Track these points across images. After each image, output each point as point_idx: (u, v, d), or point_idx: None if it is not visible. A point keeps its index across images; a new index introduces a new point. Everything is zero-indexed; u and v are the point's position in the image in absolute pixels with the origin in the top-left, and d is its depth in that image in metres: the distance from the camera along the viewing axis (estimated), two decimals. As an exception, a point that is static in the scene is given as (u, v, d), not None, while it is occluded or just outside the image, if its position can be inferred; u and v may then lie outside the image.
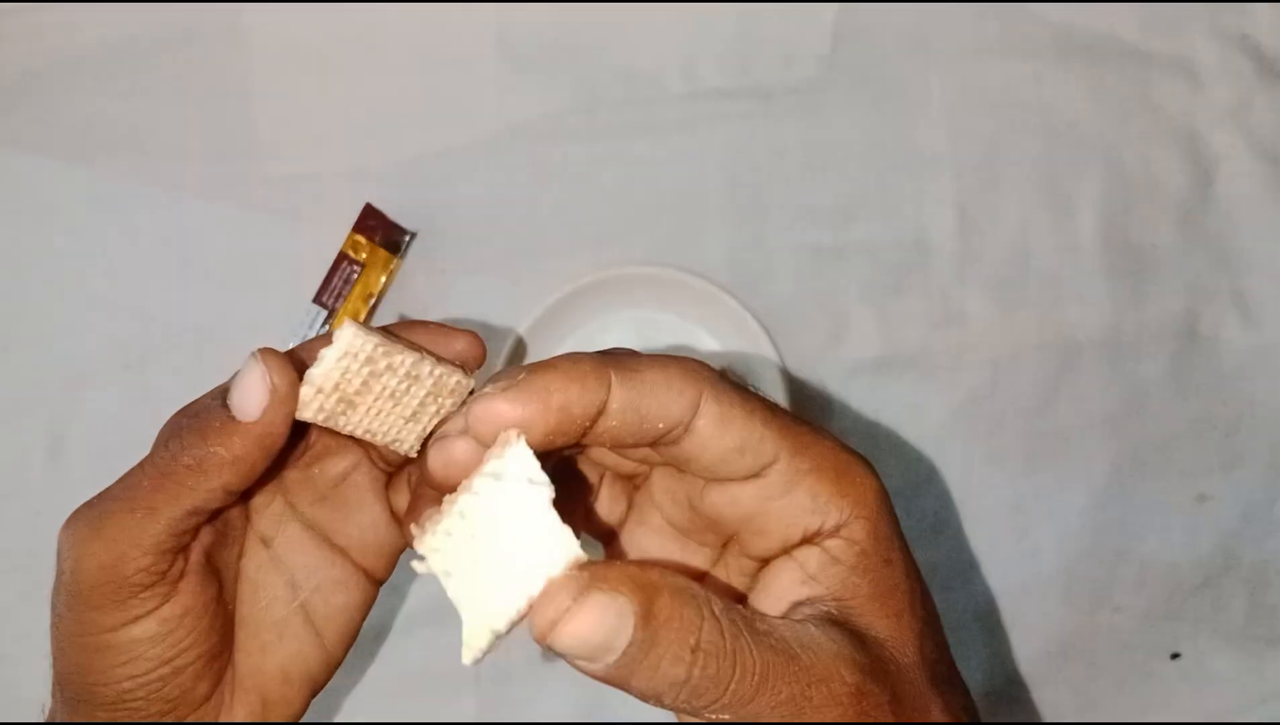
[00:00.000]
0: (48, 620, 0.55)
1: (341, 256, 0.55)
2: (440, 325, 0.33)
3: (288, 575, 0.35)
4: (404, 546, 0.37)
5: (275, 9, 0.56)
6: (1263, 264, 0.59)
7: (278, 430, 0.30)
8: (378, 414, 0.31)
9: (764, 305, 0.56)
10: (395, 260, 0.55)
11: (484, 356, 0.33)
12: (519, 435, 0.26)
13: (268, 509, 0.36)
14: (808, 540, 0.29)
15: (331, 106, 0.56)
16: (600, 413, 0.27)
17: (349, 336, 0.30)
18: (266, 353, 0.30)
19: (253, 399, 0.29)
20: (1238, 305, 0.59)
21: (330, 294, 0.55)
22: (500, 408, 0.26)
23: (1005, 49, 0.58)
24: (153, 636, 0.31)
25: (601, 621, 0.24)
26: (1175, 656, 0.58)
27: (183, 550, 0.32)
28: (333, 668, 0.36)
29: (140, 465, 0.31)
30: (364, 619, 0.37)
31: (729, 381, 0.28)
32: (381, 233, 0.55)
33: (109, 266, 0.56)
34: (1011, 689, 0.58)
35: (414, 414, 0.32)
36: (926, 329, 0.58)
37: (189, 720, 0.33)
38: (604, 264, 0.55)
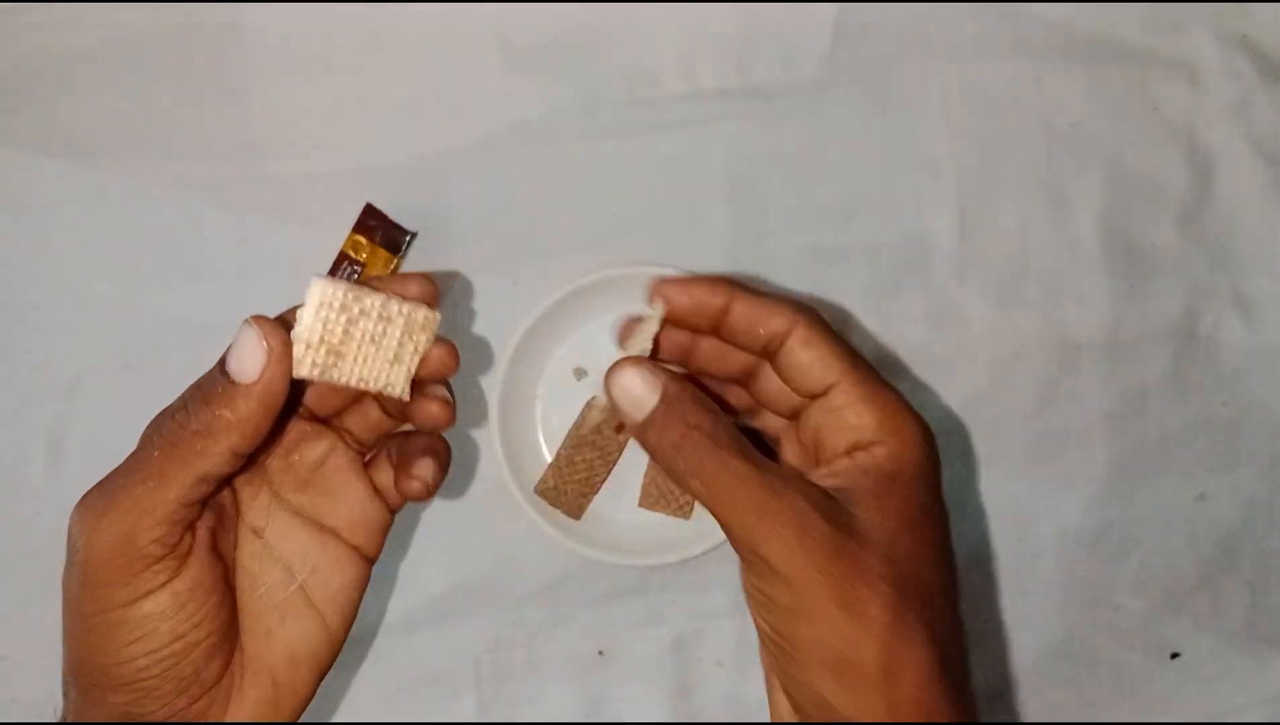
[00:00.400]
0: (48, 621, 0.55)
1: (342, 256, 0.55)
2: (392, 276, 0.36)
3: (283, 562, 0.36)
4: (390, 522, 0.39)
5: (275, 9, 0.56)
6: (1263, 264, 0.59)
7: (277, 388, 0.32)
8: (365, 360, 0.34)
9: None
10: (395, 260, 0.55)
11: (439, 294, 0.36)
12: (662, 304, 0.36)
13: (255, 501, 0.37)
14: (847, 454, 0.34)
15: (331, 106, 0.56)
16: (725, 311, 0.36)
17: (320, 287, 0.32)
18: (259, 318, 0.32)
19: (251, 361, 0.31)
20: (1238, 305, 0.59)
21: (330, 294, 0.55)
22: (670, 286, 0.36)
23: (1005, 49, 0.58)
24: (164, 611, 0.32)
25: (639, 382, 0.34)
26: (1175, 656, 0.59)
27: (190, 526, 0.33)
28: (337, 647, 0.37)
29: (147, 439, 0.32)
30: (361, 598, 0.38)
31: (825, 324, 0.36)
32: (382, 233, 0.55)
33: (109, 266, 0.56)
34: (1011, 689, 0.58)
35: (396, 356, 0.34)
36: (926, 329, 0.58)
37: (198, 719, 0.34)
38: (604, 264, 0.55)
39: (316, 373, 0.33)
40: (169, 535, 0.32)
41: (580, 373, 0.57)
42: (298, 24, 0.56)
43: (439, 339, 0.36)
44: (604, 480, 0.56)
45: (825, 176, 0.57)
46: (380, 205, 0.55)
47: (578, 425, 0.56)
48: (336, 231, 0.55)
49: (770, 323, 0.35)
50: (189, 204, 0.56)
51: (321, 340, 0.33)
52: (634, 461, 0.56)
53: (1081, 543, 0.58)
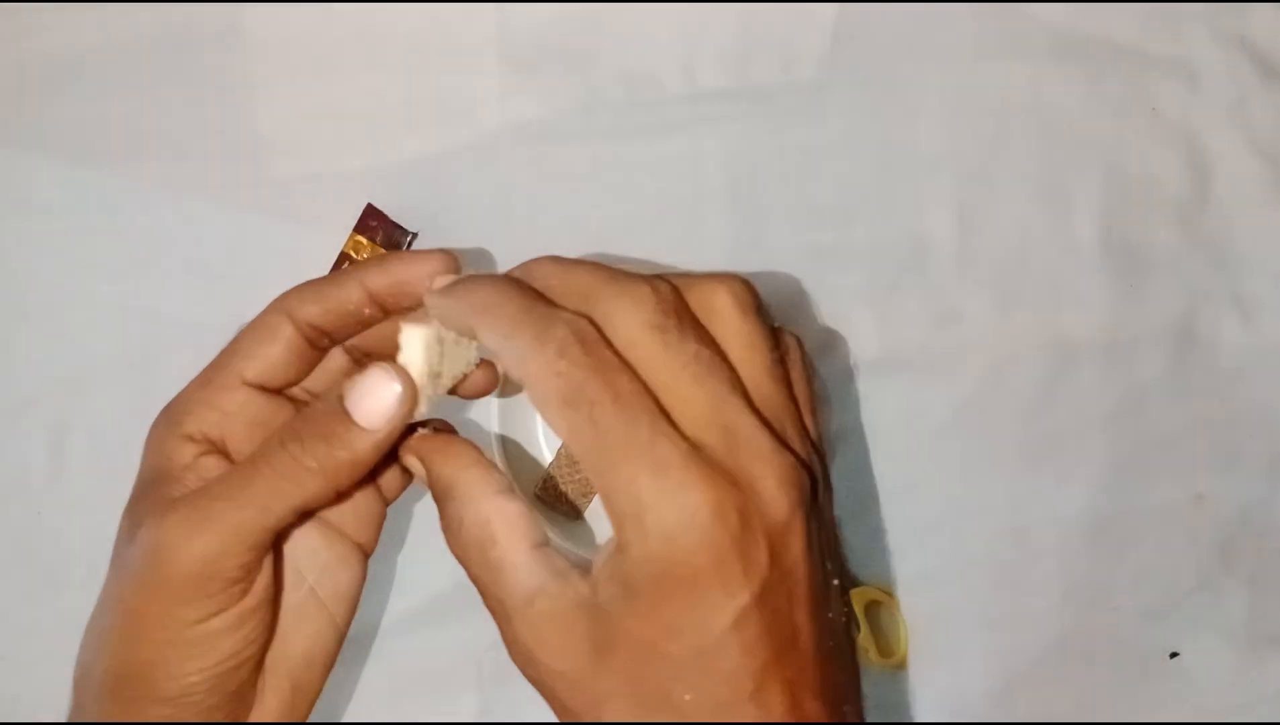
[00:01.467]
0: (49, 621, 0.55)
1: (343, 257, 0.55)
2: (411, 253, 0.37)
3: (292, 563, 0.36)
4: (384, 515, 0.39)
5: (275, 9, 0.56)
6: (1262, 264, 0.59)
7: (395, 437, 0.32)
8: (453, 361, 0.34)
9: (764, 305, 0.56)
10: (395, 260, 0.55)
11: (460, 265, 0.36)
12: None
13: None
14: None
15: (331, 106, 0.56)
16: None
17: (420, 334, 0.32)
18: (395, 366, 0.32)
19: (380, 410, 0.31)
20: (1237, 305, 0.59)
21: (330, 294, 0.55)
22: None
23: (1005, 50, 0.58)
24: (229, 628, 0.32)
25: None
26: (1174, 656, 0.59)
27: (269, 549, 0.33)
28: (341, 643, 0.37)
29: (251, 465, 0.32)
30: (361, 593, 0.38)
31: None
32: (383, 233, 0.55)
33: (109, 266, 0.56)
34: (1011, 689, 0.58)
35: (457, 338, 0.35)
36: (926, 329, 0.58)
37: (231, 720, 0.34)
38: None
39: (429, 406, 0.33)
40: (255, 561, 0.32)
41: (580, 373, 0.57)
42: (298, 24, 0.56)
43: None
44: None
45: (825, 176, 0.57)
46: (380, 205, 0.55)
47: None
48: (337, 231, 0.55)
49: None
50: (189, 204, 0.56)
51: (429, 374, 0.33)
52: (634, 461, 0.56)
53: (1081, 543, 0.58)
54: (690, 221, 0.57)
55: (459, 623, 0.57)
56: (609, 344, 0.28)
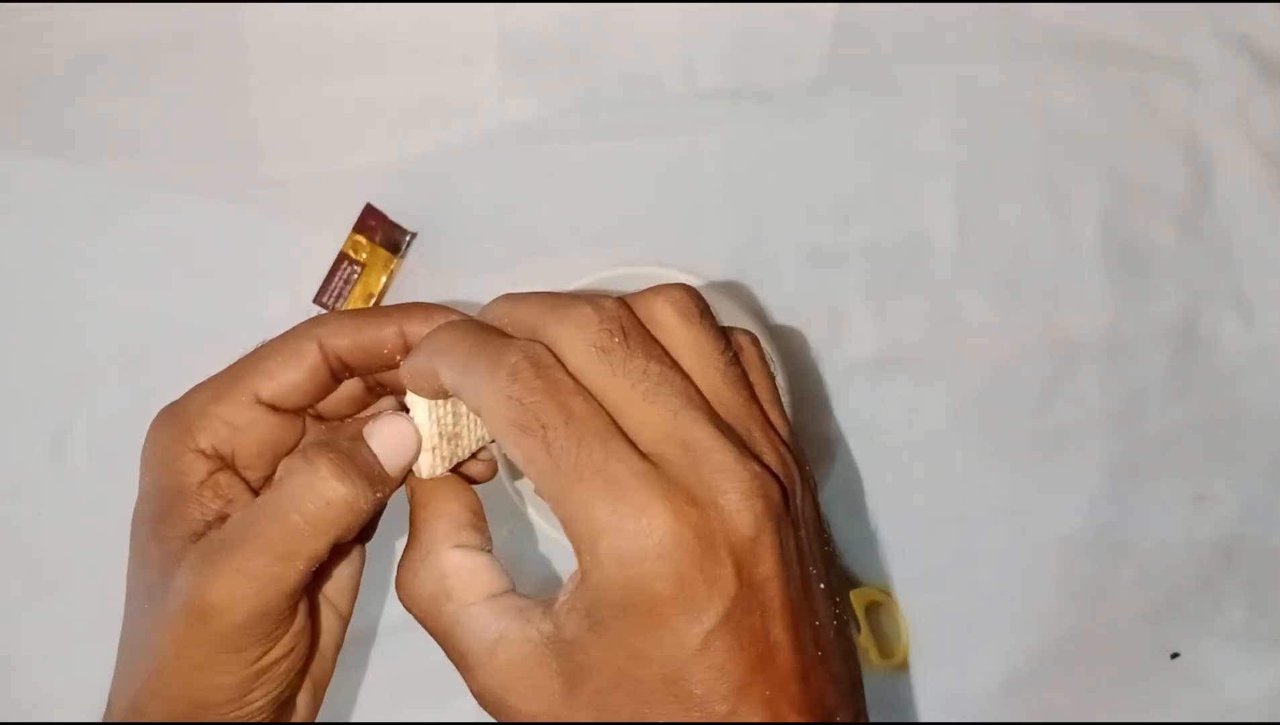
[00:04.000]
0: (48, 621, 0.54)
1: (342, 257, 0.55)
2: (452, 310, 0.35)
3: None
4: (384, 504, 0.38)
5: (275, 9, 0.56)
6: (1263, 264, 0.59)
7: (403, 478, 0.33)
8: (474, 425, 0.33)
9: (764, 305, 0.56)
10: (395, 260, 0.55)
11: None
12: None
13: None
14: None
15: (331, 106, 0.56)
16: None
17: (425, 404, 0.32)
18: (411, 418, 0.32)
19: (404, 457, 0.32)
20: (1237, 305, 0.59)
21: (330, 294, 0.55)
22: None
23: (1005, 49, 0.58)
24: (285, 654, 0.33)
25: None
26: (1175, 656, 0.59)
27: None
28: (346, 631, 0.38)
29: (286, 510, 0.31)
30: (360, 579, 0.38)
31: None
32: (382, 233, 0.55)
33: (109, 266, 0.56)
34: (1011, 689, 0.58)
35: None
36: (926, 329, 0.58)
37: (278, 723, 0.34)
38: (604, 264, 0.55)
39: (447, 465, 0.33)
40: (299, 597, 0.32)
41: (580, 373, 0.57)
42: (298, 24, 0.56)
43: None
44: None
45: (825, 176, 0.57)
46: (380, 205, 0.55)
47: None
48: (336, 231, 0.55)
49: None
50: (189, 204, 0.56)
51: (440, 435, 0.32)
52: (634, 461, 0.56)
53: (1081, 543, 0.58)
54: (690, 221, 0.57)
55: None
56: (564, 367, 0.28)
